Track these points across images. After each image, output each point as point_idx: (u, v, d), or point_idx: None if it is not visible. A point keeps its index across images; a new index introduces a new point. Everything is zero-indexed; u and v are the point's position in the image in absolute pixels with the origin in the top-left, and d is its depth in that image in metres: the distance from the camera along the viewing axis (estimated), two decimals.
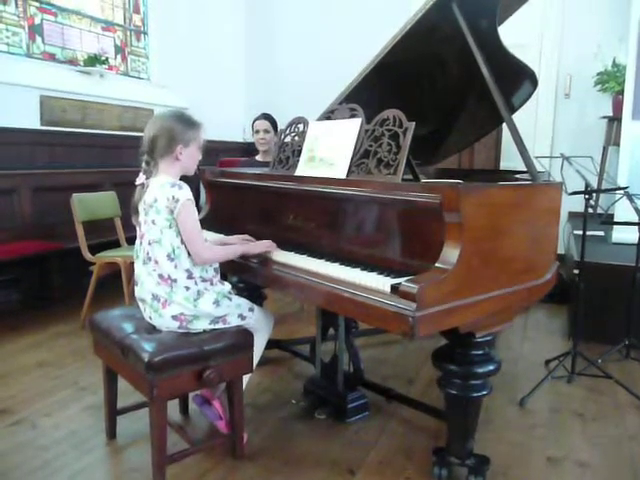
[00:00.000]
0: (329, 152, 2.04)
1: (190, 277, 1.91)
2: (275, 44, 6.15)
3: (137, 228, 2.00)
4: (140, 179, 1.97)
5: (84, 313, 3.42)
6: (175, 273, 1.89)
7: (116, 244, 3.71)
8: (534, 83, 2.41)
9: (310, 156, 2.12)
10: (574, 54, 4.76)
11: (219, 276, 2.04)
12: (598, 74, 4.45)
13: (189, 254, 1.91)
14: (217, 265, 2.03)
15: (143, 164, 1.96)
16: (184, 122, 1.97)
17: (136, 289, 2.00)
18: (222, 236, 2.24)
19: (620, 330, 3.00)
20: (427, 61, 2.32)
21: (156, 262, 1.90)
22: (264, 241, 2.04)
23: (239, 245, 2.06)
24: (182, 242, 1.90)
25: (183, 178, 1.99)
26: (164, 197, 1.86)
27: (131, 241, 2.05)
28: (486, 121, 2.59)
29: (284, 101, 5.50)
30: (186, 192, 1.88)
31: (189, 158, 1.98)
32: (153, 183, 1.93)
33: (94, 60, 4.63)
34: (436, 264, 1.52)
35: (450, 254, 1.52)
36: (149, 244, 1.91)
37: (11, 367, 2.84)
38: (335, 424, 2.29)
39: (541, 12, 4.83)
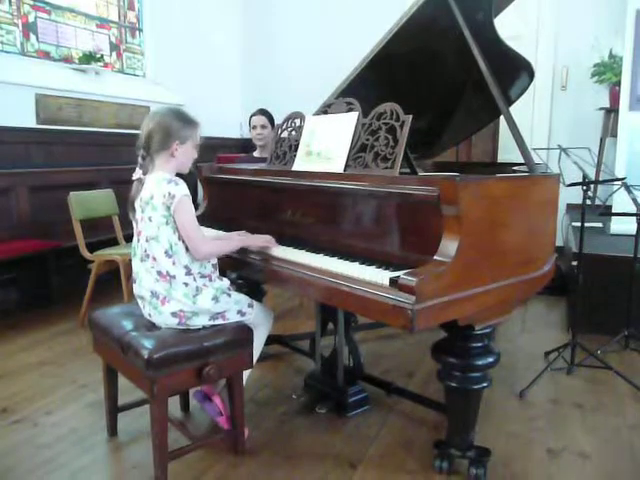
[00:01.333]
0: (326, 146, 2.04)
1: (189, 273, 1.91)
2: (271, 39, 6.13)
3: (134, 225, 2.00)
4: (137, 174, 1.97)
5: (83, 311, 3.42)
6: (173, 269, 1.89)
7: (114, 242, 3.71)
8: (531, 75, 2.41)
9: (307, 151, 2.12)
10: (570, 46, 4.74)
11: (217, 272, 2.03)
12: (595, 65, 4.44)
13: (187, 250, 1.91)
14: (215, 261, 2.03)
15: (139, 159, 1.96)
16: (181, 119, 1.96)
17: (135, 286, 2.00)
18: (220, 233, 2.24)
19: (619, 321, 3.01)
20: (423, 54, 2.31)
21: (154, 259, 1.90)
22: (263, 235, 2.03)
23: (238, 239, 2.06)
24: (179, 238, 1.90)
25: (179, 175, 1.98)
26: (160, 193, 1.86)
27: (129, 239, 2.04)
28: (483, 114, 2.58)
29: (281, 97, 5.48)
30: (182, 188, 1.87)
31: (184, 155, 1.97)
32: (149, 180, 1.92)
33: (89, 58, 4.61)
34: (434, 257, 1.53)
35: (448, 247, 1.52)
36: (146, 241, 1.91)
37: (11, 366, 2.84)
38: (336, 418, 2.29)
39: (537, 3, 4.81)
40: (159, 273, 1.89)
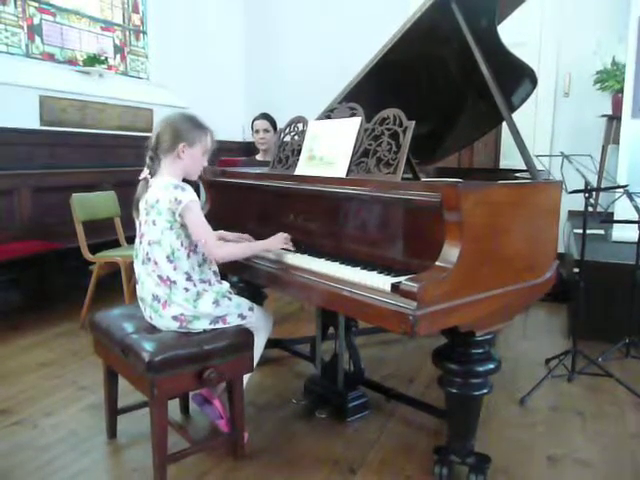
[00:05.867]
0: (329, 151, 2.04)
1: (189, 279, 1.91)
2: (274, 43, 6.15)
3: (137, 227, 2.00)
4: (144, 173, 1.98)
5: (84, 313, 3.42)
6: (174, 275, 1.89)
7: (116, 244, 3.71)
8: (533, 82, 2.41)
9: (310, 155, 2.12)
10: (573, 52, 4.75)
11: (219, 277, 2.03)
12: (597, 72, 4.45)
13: (188, 257, 1.91)
14: (216, 268, 2.03)
15: (147, 160, 1.97)
16: (191, 122, 1.98)
17: (137, 288, 2.00)
18: (221, 231, 2.23)
19: (620, 328, 3.01)
20: (427, 60, 2.32)
21: (155, 263, 1.90)
22: (279, 235, 2.01)
23: (255, 243, 2.05)
24: (182, 244, 1.90)
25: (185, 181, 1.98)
26: (167, 198, 1.86)
27: (131, 240, 2.05)
28: (486, 120, 2.58)
29: (284, 100, 5.50)
30: (190, 194, 1.88)
31: (192, 159, 1.97)
32: (156, 183, 1.93)
33: (93, 60, 4.63)
34: (436, 263, 1.52)
35: (450, 253, 1.52)
36: (149, 244, 1.91)
37: (11, 367, 2.84)
38: (336, 423, 2.29)
39: (540, 10, 4.83)
40: (160, 277, 1.89)
